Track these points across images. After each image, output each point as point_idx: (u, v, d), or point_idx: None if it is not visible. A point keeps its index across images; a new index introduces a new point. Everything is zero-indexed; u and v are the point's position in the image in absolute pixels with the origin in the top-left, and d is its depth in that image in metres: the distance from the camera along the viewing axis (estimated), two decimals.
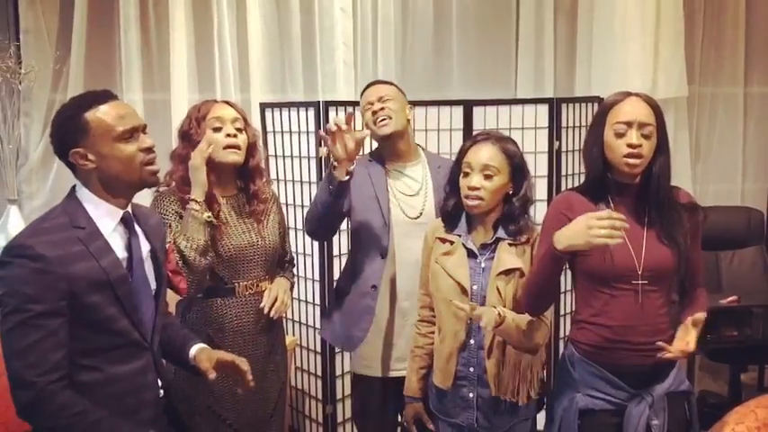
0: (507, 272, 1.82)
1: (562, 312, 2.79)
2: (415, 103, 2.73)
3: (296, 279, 2.31)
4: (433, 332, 1.98)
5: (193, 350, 1.66)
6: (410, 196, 2.16)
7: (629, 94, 1.72)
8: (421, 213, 2.14)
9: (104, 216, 1.47)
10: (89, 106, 1.44)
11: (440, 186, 2.11)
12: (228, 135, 1.91)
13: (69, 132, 1.44)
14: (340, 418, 2.80)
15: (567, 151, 2.75)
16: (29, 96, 3.11)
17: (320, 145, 2.62)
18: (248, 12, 3.19)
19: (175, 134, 2.03)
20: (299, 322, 2.92)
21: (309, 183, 2.74)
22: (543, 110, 2.72)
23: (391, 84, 2.24)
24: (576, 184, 1.96)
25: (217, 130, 1.92)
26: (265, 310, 1.96)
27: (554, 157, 2.72)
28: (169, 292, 1.76)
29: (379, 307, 2.12)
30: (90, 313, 1.40)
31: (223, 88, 3.18)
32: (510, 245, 1.85)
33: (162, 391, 1.58)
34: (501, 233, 1.86)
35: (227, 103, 2.01)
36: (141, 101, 3.14)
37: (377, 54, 3.33)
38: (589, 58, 3.33)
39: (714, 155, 3.63)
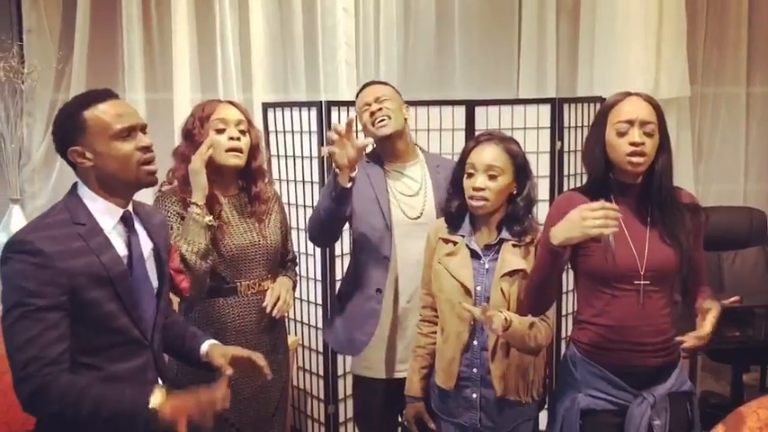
0: (511, 273, 1.82)
1: (564, 312, 2.79)
2: (416, 103, 2.74)
3: (298, 279, 2.31)
4: (434, 332, 1.98)
5: (205, 346, 1.66)
6: (410, 196, 2.15)
7: (629, 94, 1.73)
8: (421, 213, 2.13)
9: (104, 214, 1.47)
10: (89, 105, 1.44)
11: (439, 186, 2.10)
12: (231, 138, 1.91)
13: (68, 130, 1.45)
14: (342, 418, 2.81)
15: (569, 151, 2.75)
16: (32, 96, 3.12)
17: (322, 145, 2.62)
18: (251, 11, 3.19)
19: (177, 134, 2.03)
20: (302, 322, 2.93)
21: (312, 183, 2.74)
22: (545, 110, 2.72)
23: (386, 84, 2.23)
24: (578, 185, 1.96)
25: (220, 131, 1.91)
26: (268, 309, 1.96)
27: (556, 158, 2.71)
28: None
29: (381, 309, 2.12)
30: (90, 310, 1.39)
31: (225, 88, 3.19)
32: (514, 246, 1.85)
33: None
34: (505, 234, 1.86)
35: (232, 103, 2.00)
36: (143, 100, 3.15)
37: (379, 54, 3.33)
38: (591, 59, 3.33)
39: (716, 155, 3.62)
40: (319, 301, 2.78)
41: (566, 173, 2.75)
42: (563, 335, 2.78)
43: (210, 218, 1.84)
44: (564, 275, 2.31)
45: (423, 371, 1.99)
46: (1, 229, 2.98)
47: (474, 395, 1.86)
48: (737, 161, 3.61)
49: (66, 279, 1.36)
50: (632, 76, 3.15)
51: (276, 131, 2.86)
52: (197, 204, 1.82)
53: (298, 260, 2.30)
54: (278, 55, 3.30)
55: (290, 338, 2.50)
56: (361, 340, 2.11)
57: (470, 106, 2.77)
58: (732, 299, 2.62)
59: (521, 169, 1.87)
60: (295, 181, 2.82)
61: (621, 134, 1.68)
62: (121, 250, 1.48)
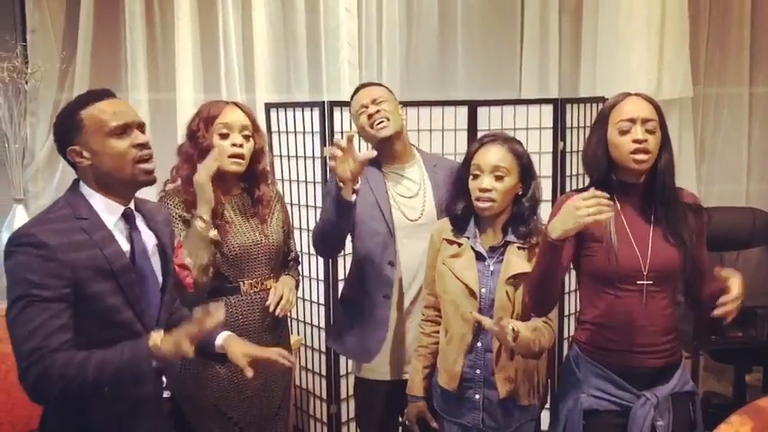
0: (516, 276, 1.81)
1: (566, 313, 2.79)
2: (419, 104, 2.75)
3: (301, 279, 2.32)
4: (436, 332, 1.98)
5: (220, 338, 1.66)
6: (409, 198, 2.13)
7: (628, 94, 1.74)
8: (421, 214, 2.11)
9: (105, 211, 1.47)
10: (86, 104, 1.45)
11: (438, 185, 2.10)
12: (234, 144, 1.91)
13: (67, 130, 1.45)
14: (344, 418, 2.81)
15: (571, 152, 2.75)
16: (35, 96, 3.12)
17: (325, 145, 2.62)
18: (254, 12, 3.20)
19: (180, 134, 2.04)
20: (304, 322, 2.93)
21: (314, 183, 2.75)
22: (548, 110, 2.72)
23: (381, 85, 2.22)
24: (581, 185, 1.96)
25: (224, 136, 1.92)
26: (271, 308, 1.97)
27: (558, 158, 2.72)
28: None
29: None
30: (93, 303, 1.40)
31: (228, 88, 3.19)
32: (519, 248, 1.85)
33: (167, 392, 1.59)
34: (510, 236, 1.86)
35: (239, 106, 2.00)
36: (146, 100, 3.15)
37: (381, 54, 3.33)
38: (594, 59, 3.33)
39: (719, 155, 3.62)
40: (322, 301, 2.79)
41: (568, 173, 2.75)
42: (565, 335, 2.78)
43: (215, 232, 1.84)
44: (566, 276, 2.31)
45: (425, 370, 1.99)
46: (5, 229, 2.99)
47: (477, 396, 1.86)
48: (740, 162, 3.61)
49: (69, 271, 1.36)
50: (635, 76, 3.15)
51: (279, 132, 2.86)
52: (202, 218, 1.82)
53: (300, 260, 2.30)
54: (281, 55, 3.30)
55: (293, 338, 2.50)
56: (374, 348, 2.09)
57: (473, 106, 2.78)
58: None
59: (526, 170, 1.87)
60: (297, 181, 2.83)
61: (624, 132, 1.68)
62: (124, 245, 1.48)
